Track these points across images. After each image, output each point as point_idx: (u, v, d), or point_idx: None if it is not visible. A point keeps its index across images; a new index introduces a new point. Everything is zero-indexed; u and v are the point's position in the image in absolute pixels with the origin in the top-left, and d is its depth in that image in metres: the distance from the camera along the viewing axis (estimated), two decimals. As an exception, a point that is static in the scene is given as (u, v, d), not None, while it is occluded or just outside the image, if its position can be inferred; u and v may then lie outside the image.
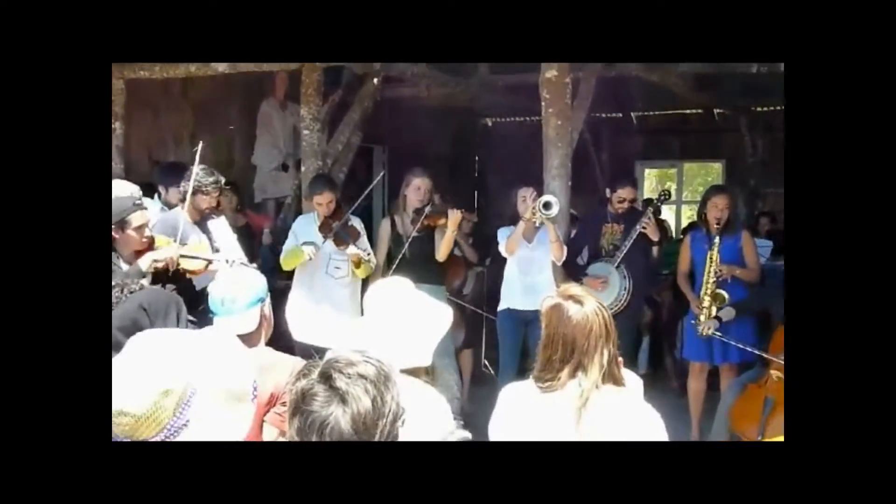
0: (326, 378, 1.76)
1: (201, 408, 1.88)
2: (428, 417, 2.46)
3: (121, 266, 4.40)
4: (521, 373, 4.83)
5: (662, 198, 6.08)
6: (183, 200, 5.03)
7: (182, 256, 4.53)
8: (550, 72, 5.53)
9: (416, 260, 5.69)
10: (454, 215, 5.57)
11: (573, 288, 2.74)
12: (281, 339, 3.59)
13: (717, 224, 5.59)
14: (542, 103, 5.63)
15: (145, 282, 4.13)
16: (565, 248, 5.58)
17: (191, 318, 4.29)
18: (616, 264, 5.72)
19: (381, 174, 6.01)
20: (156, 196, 5.69)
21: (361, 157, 8.64)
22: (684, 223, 10.84)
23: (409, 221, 5.79)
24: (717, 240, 5.55)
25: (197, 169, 5.05)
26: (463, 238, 6.16)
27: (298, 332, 5.54)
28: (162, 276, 4.41)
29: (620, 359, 2.70)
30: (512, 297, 5.76)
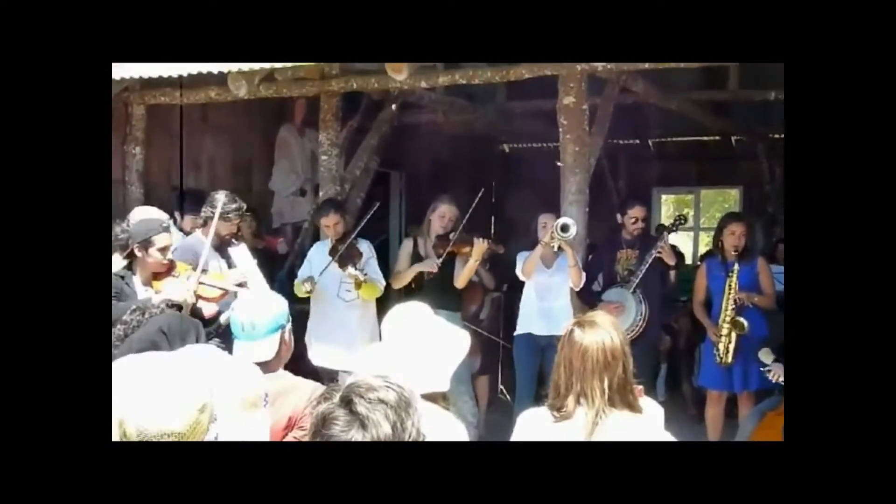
0: (347, 402, 1.76)
1: (223, 417, 1.92)
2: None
3: (134, 287, 4.44)
4: (538, 399, 4.82)
5: (678, 223, 6.07)
6: (204, 226, 5.07)
7: (200, 284, 4.56)
8: (568, 98, 5.54)
9: (434, 286, 5.70)
10: (479, 245, 5.58)
11: (591, 314, 2.76)
12: (301, 363, 3.59)
13: (735, 251, 5.58)
14: (560, 129, 5.63)
15: (164, 305, 4.16)
16: (584, 274, 5.57)
17: (217, 341, 4.31)
18: (632, 290, 5.70)
19: (376, 204, 6.01)
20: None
21: (379, 183, 8.66)
22: (702, 250, 10.79)
23: (431, 246, 5.80)
24: (735, 267, 5.54)
25: (221, 195, 5.11)
26: (481, 264, 6.15)
27: (316, 356, 5.59)
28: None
29: (640, 387, 2.71)
30: (529, 322, 5.76)
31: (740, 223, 5.73)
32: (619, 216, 6.01)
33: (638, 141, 10.53)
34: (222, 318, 4.58)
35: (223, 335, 4.46)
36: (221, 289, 4.67)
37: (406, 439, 1.76)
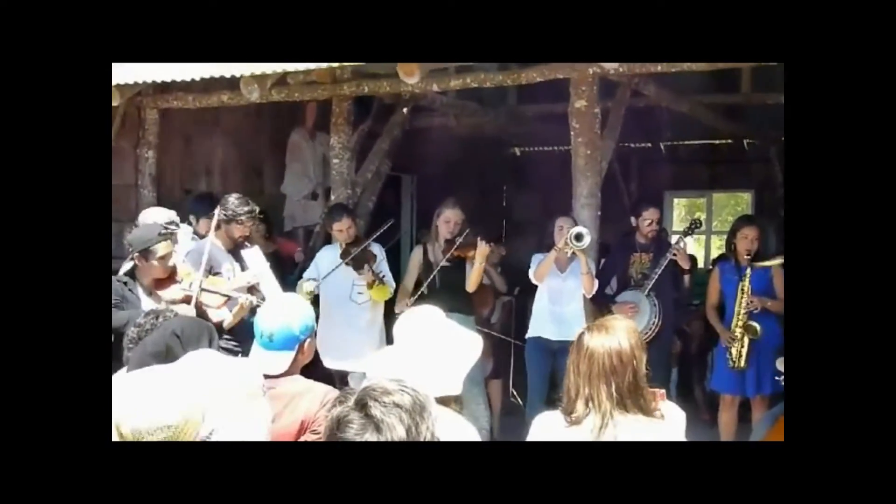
0: (362, 406, 1.76)
1: (221, 411, 1.95)
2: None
3: (137, 293, 4.44)
4: (549, 403, 4.81)
5: (694, 227, 6.06)
6: (217, 229, 5.09)
7: (203, 290, 4.55)
8: (580, 101, 5.54)
9: (445, 289, 5.69)
10: (482, 248, 5.59)
11: (607, 318, 2.76)
12: (313, 366, 3.58)
13: (748, 255, 5.57)
14: (572, 133, 5.63)
15: (178, 309, 4.18)
16: (597, 282, 5.57)
17: (234, 343, 4.30)
18: (646, 292, 5.69)
19: (390, 222, 6.03)
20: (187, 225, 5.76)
21: (390, 187, 8.67)
22: (714, 253, 10.76)
23: (441, 251, 5.80)
24: (748, 271, 5.53)
25: (232, 198, 5.13)
26: (492, 267, 6.16)
27: (327, 358, 5.60)
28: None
29: (661, 391, 2.71)
30: (541, 326, 5.75)
31: (753, 227, 5.72)
32: (632, 219, 6.00)
33: (650, 144, 10.51)
34: (225, 324, 4.59)
35: (236, 335, 4.48)
36: (223, 295, 4.65)
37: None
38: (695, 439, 2.72)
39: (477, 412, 5.54)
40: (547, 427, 2.70)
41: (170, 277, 4.56)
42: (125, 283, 4.45)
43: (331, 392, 3.00)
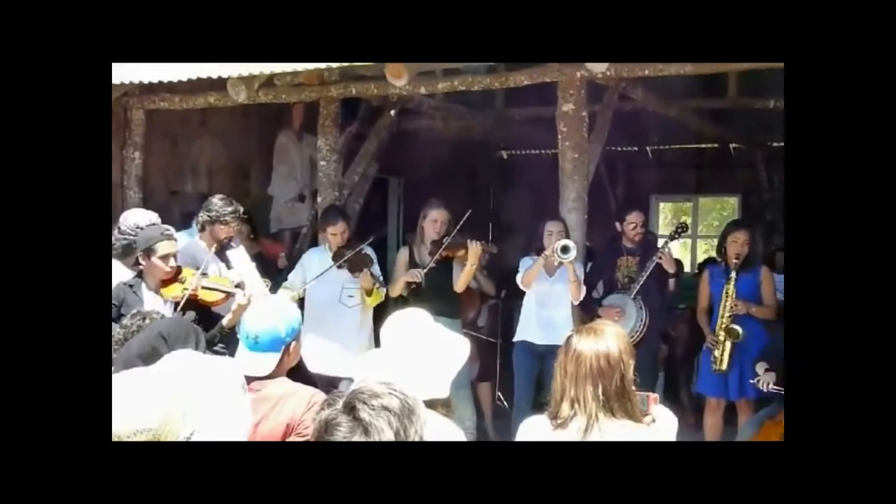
0: (350, 409, 1.75)
1: (202, 411, 1.94)
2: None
3: (142, 295, 4.46)
4: (536, 406, 4.81)
5: (679, 231, 6.08)
6: (202, 231, 5.11)
7: (203, 288, 4.59)
8: (567, 105, 5.54)
9: (432, 291, 5.67)
10: (475, 248, 5.57)
11: (596, 322, 2.77)
12: (297, 369, 3.57)
13: (737, 259, 5.59)
14: (559, 136, 5.63)
15: (166, 310, 4.19)
16: (584, 288, 5.58)
17: (221, 345, 4.31)
18: (632, 296, 5.70)
19: (384, 232, 6.03)
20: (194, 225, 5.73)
21: (377, 189, 8.67)
22: (700, 257, 10.80)
23: (427, 253, 5.79)
24: (733, 274, 5.55)
25: (216, 199, 5.14)
26: (479, 270, 6.14)
27: (313, 362, 5.57)
28: (188, 305, 4.49)
29: (654, 395, 2.73)
30: (528, 329, 5.75)
31: (743, 231, 5.75)
32: (617, 224, 6.01)
33: (636, 148, 10.53)
34: (225, 322, 4.59)
35: (227, 340, 4.47)
36: (223, 291, 4.68)
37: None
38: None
39: (463, 415, 5.52)
40: (533, 431, 2.70)
41: (174, 277, 4.59)
42: (131, 286, 4.49)
43: (317, 395, 2.99)
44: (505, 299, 7.03)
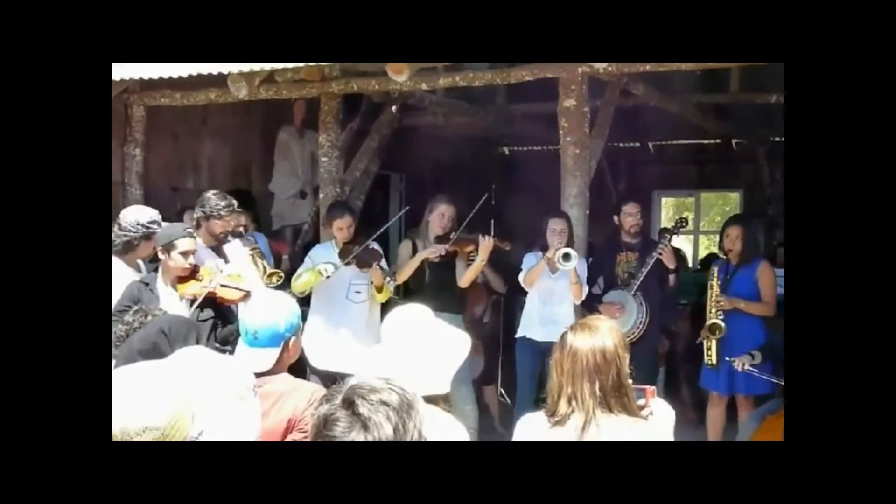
0: (349, 404, 1.75)
1: (211, 412, 1.93)
2: (447, 445, 2.46)
3: (158, 292, 4.48)
4: (538, 403, 4.82)
5: (680, 225, 6.06)
6: (198, 227, 5.12)
7: (222, 286, 4.64)
8: (569, 101, 5.54)
9: (434, 287, 5.66)
10: (486, 243, 5.56)
11: (590, 318, 2.77)
12: (299, 365, 3.57)
13: (728, 254, 5.61)
14: (561, 132, 5.63)
15: (182, 307, 4.20)
16: (586, 288, 5.58)
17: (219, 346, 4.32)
18: (632, 292, 5.69)
19: (406, 208, 5.95)
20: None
21: (379, 185, 8.66)
22: (702, 253, 10.79)
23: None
24: (715, 269, 5.60)
25: (210, 194, 5.16)
26: (488, 265, 6.11)
27: (317, 358, 5.55)
28: (205, 303, 4.51)
29: (651, 387, 2.74)
30: (530, 326, 5.75)
31: (735, 226, 5.76)
32: (615, 217, 6.00)
33: (638, 144, 10.53)
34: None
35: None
36: (240, 289, 4.70)
37: (407, 441, 1.76)
38: (681, 438, 2.72)
39: (465, 411, 5.51)
40: (531, 428, 2.70)
41: (191, 274, 4.64)
42: (147, 284, 4.52)
43: (318, 391, 2.99)
44: (507, 295, 7.02)
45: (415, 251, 5.84)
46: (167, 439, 1.88)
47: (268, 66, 5.30)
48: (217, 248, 5.20)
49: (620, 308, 5.66)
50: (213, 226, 5.14)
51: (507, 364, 6.83)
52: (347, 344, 5.51)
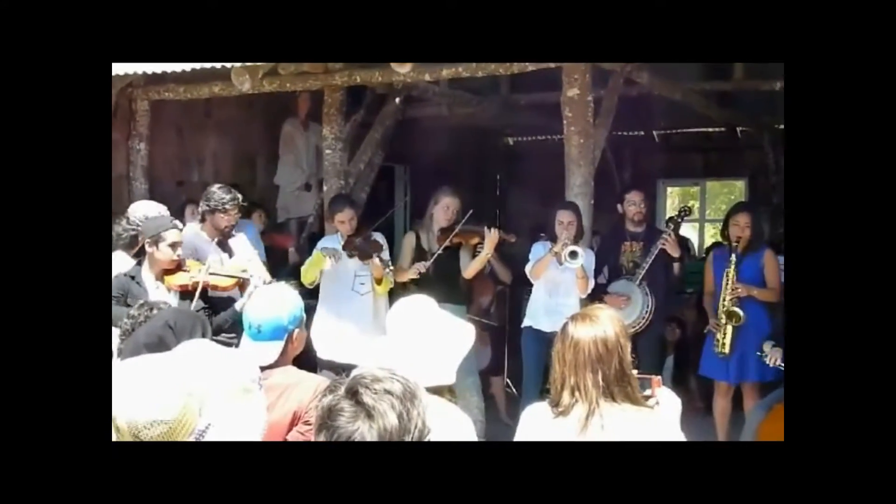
0: (353, 394, 1.76)
1: (217, 406, 1.94)
2: (453, 436, 2.46)
3: (145, 285, 4.48)
4: (544, 392, 4.82)
5: (684, 214, 6.05)
6: (202, 221, 5.12)
7: (211, 274, 4.65)
8: (572, 90, 5.53)
9: (439, 278, 5.67)
10: (492, 235, 5.56)
11: (591, 307, 2.76)
12: (305, 358, 3.58)
13: (737, 242, 5.57)
14: (565, 122, 5.62)
15: (172, 301, 4.21)
16: (592, 282, 5.57)
17: (228, 335, 4.33)
18: (638, 282, 5.69)
19: (405, 200, 5.95)
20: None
21: (383, 177, 8.66)
22: (707, 241, 10.77)
23: (435, 239, 5.77)
24: (733, 257, 5.54)
25: (215, 188, 5.16)
26: (495, 256, 6.12)
27: (324, 349, 5.57)
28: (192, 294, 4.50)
29: (658, 377, 2.74)
30: (536, 316, 5.75)
31: (744, 214, 5.72)
32: (619, 206, 5.99)
33: (643, 133, 10.50)
34: (237, 305, 4.61)
35: (235, 329, 4.48)
36: (232, 276, 4.71)
37: (412, 430, 1.76)
38: (688, 427, 2.72)
39: (471, 402, 5.53)
40: (535, 418, 2.70)
41: (178, 266, 4.65)
42: (132, 277, 4.52)
43: (323, 383, 3.00)
44: (513, 286, 7.02)
45: (418, 243, 5.86)
46: (174, 432, 1.88)
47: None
48: (222, 243, 5.20)
49: (626, 299, 5.65)
50: (218, 220, 5.14)
51: (513, 354, 6.84)
52: (354, 335, 5.52)
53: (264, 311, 3.09)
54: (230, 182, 5.73)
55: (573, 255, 5.30)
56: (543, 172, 7.00)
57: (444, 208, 5.77)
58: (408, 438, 1.76)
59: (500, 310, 7.23)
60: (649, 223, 6.16)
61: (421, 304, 2.82)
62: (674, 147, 10.93)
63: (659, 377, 2.77)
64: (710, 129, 10.36)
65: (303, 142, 8.05)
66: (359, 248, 5.55)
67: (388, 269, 5.57)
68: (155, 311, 3.16)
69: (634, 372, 2.66)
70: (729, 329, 5.52)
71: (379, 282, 5.63)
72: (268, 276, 5.14)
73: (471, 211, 5.74)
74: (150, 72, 5.61)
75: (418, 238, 5.89)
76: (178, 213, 5.87)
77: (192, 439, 1.91)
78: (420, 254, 5.85)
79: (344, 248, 5.61)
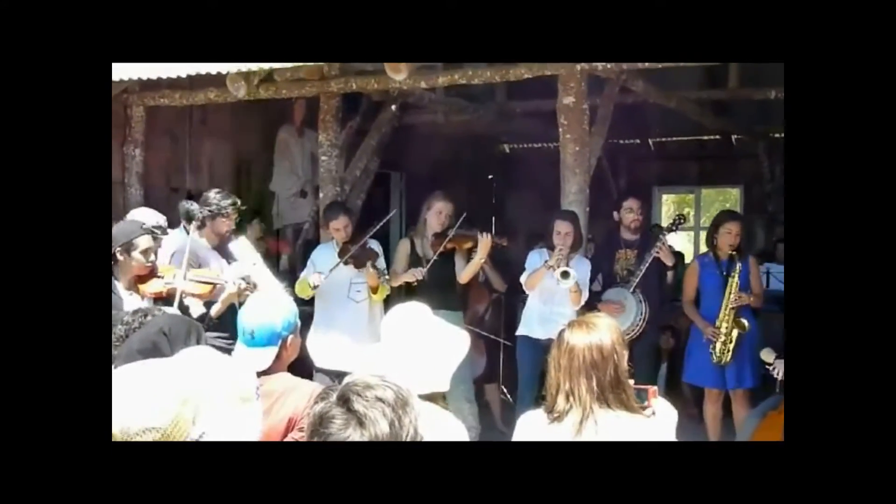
0: (344, 401, 1.75)
1: (212, 414, 1.93)
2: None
3: (119, 293, 4.41)
4: (540, 400, 4.82)
5: (678, 222, 6.05)
6: (202, 227, 5.08)
7: (189, 281, 4.58)
8: (568, 98, 5.54)
9: (434, 284, 5.65)
10: (485, 240, 5.56)
11: (588, 315, 2.78)
12: (301, 365, 3.57)
13: (731, 250, 5.57)
14: (560, 129, 5.63)
15: (166, 308, 4.17)
16: (585, 294, 5.57)
17: (224, 341, 4.28)
18: (632, 289, 5.69)
19: (394, 211, 5.93)
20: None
21: (379, 184, 8.66)
22: (703, 249, 10.78)
23: (429, 245, 5.77)
24: (738, 266, 5.53)
25: (212, 193, 5.13)
26: (489, 263, 6.11)
27: (320, 357, 5.56)
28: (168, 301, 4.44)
29: (654, 387, 2.74)
30: (530, 324, 5.76)
31: (736, 222, 5.73)
32: (615, 214, 6.00)
33: (638, 140, 10.52)
34: (213, 311, 4.57)
35: (222, 329, 4.46)
36: (209, 283, 4.64)
37: (403, 437, 1.76)
38: (681, 434, 2.73)
39: (464, 409, 5.52)
40: (530, 425, 2.71)
41: (150, 273, 4.53)
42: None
43: (318, 389, 2.99)
44: (508, 293, 7.02)
45: (413, 249, 5.86)
46: (167, 440, 1.88)
47: (266, 65, 5.31)
48: (221, 247, 5.18)
49: (620, 306, 5.65)
50: (219, 224, 5.12)
51: (508, 362, 6.83)
52: (349, 343, 5.51)
53: (258, 317, 3.09)
54: (225, 188, 5.72)
55: (565, 275, 5.32)
56: (539, 180, 7.00)
57: (436, 213, 5.77)
58: None
59: (495, 317, 7.23)
60: (643, 231, 6.17)
61: (416, 312, 2.82)
62: (669, 155, 10.96)
63: (655, 388, 2.77)
64: (706, 137, 10.37)
65: (298, 148, 8.05)
66: (354, 256, 5.55)
67: (383, 278, 5.58)
68: (149, 318, 3.15)
69: (631, 382, 2.67)
70: (734, 337, 5.52)
71: (375, 290, 5.63)
72: (276, 282, 5.13)
73: (464, 214, 5.74)
74: (145, 77, 5.60)
75: (413, 244, 5.89)
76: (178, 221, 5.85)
77: None
78: (415, 260, 5.84)
79: (340, 255, 5.61)
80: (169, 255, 4.99)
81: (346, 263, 5.56)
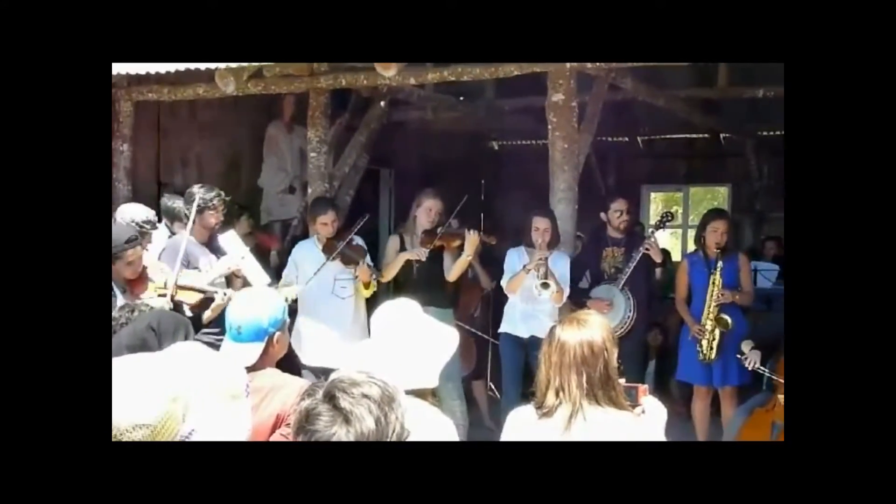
0: (330, 398, 1.75)
1: (202, 411, 1.93)
2: (434, 439, 2.46)
3: (116, 292, 4.39)
4: (524, 396, 4.83)
5: (665, 220, 6.08)
6: (192, 224, 5.06)
7: (181, 288, 4.53)
8: (557, 95, 5.55)
9: (423, 281, 5.67)
10: (472, 238, 5.56)
11: (580, 312, 2.79)
12: (288, 362, 3.56)
13: (718, 248, 5.60)
14: (549, 126, 5.64)
15: (154, 303, 4.15)
16: (566, 292, 5.58)
17: (212, 334, 4.25)
18: (620, 286, 5.71)
19: (366, 217, 5.87)
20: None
21: (368, 180, 8.65)
22: (691, 247, 10.81)
23: (419, 242, 5.77)
24: (719, 264, 5.56)
25: (196, 189, 5.10)
26: (477, 261, 6.10)
27: (307, 355, 5.55)
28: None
29: (645, 386, 2.76)
30: (512, 321, 5.78)
31: (723, 220, 5.77)
32: (602, 214, 6.01)
33: (627, 138, 10.54)
34: (204, 318, 4.56)
35: (212, 324, 4.44)
36: (199, 290, 4.61)
37: (390, 434, 1.76)
38: (669, 431, 2.74)
39: (453, 407, 5.53)
40: (520, 421, 2.73)
41: (141, 278, 4.51)
42: None
43: (306, 385, 2.99)
44: (496, 291, 7.03)
45: (402, 246, 5.85)
46: (156, 437, 1.87)
47: (256, 64, 5.29)
48: (210, 243, 5.17)
49: (608, 304, 5.67)
50: (207, 218, 5.11)
51: (496, 359, 6.85)
52: (334, 339, 5.52)
53: (245, 313, 3.09)
54: (214, 184, 5.70)
55: (545, 286, 5.34)
56: (528, 177, 7.01)
57: (426, 211, 5.77)
58: None
59: (483, 315, 7.24)
60: (631, 227, 6.18)
61: (405, 308, 2.82)
62: (657, 153, 10.98)
63: (645, 386, 2.79)
64: (694, 136, 10.41)
65: (287, 144, 8.03)
66: (344, 254, 5.55)
67: (375, 274, 5.58)
68: (136, 313, 3.14)
69: (622, 380, 2.68)
70: (716, 335, 5.54)
71: (367, 286, 5.62)
72: (265, 276, 5.11)
73: (457, 208, 5.74)
74: (133, 72, 5.57)
75: (402, 241, 5.88)
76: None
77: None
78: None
79: (324, 251, 5.61)
80: (157, 253, 4.98)
81: (332, 259, 5.56)
